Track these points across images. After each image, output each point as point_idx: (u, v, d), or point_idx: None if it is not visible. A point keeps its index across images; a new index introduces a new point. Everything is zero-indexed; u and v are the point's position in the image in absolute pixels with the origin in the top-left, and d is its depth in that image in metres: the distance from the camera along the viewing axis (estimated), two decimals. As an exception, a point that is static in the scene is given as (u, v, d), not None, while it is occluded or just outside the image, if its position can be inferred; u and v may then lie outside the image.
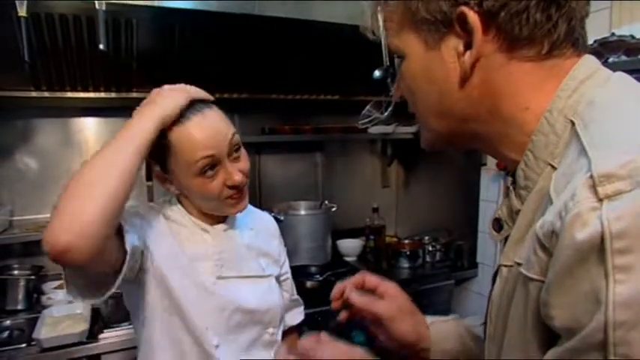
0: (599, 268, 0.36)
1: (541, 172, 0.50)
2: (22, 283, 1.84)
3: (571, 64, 0.50)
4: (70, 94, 2.00)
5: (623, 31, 1.47)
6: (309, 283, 2.02)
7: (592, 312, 0.36)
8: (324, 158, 2.75)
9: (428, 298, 2.20)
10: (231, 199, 1.01)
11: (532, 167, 0.51)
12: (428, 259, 2.36)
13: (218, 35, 1.84)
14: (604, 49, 1.44)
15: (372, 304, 0.76)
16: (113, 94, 2.08)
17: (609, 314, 0.35)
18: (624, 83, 0.50)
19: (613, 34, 1.46)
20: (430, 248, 2.36)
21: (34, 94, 1.94)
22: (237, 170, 0.99)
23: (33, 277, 1.89)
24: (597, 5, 1.68)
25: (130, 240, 0.90)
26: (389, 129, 2.49)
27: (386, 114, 2.26)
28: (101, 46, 1.53)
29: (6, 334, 1.67)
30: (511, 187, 0.55)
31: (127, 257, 0.88)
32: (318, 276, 2.11)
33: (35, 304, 1.85)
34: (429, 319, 0.79)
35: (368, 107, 2.34)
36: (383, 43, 0.59)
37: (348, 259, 2.46)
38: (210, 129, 0.96)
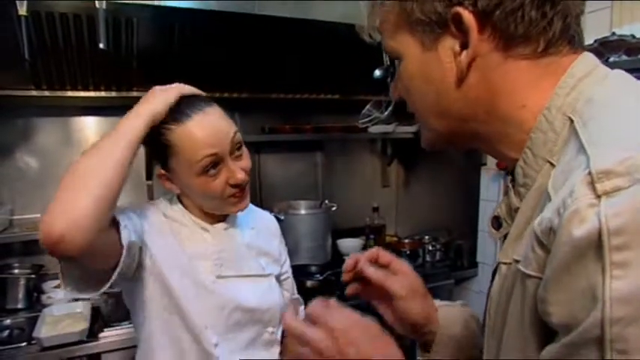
0: (596, 264, 0.36)
1: (540, 170, 0.50)
2: (22, 282, 1.84)
3: (568, 62, 0.50)
4: (70, 93, 2.00)
5: (623, 30, 1.47)
6: (309, 283, 2.02)
7: (589, 308, 0.36)
8: (324, 158, 2.75)
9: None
10: (234, 197, 1.01)
11: (531, 165, 0.51)
12: (428, 258, 2.36)
13: (218, 34, 1.84)
14: (604, 49, 1.44)
15: (387, 279, 0.74)
16: (113, 93, 2.08)
17: (606, 310, 0.35)
18: (623, 81, 0.50)
19: (613, 33, 1.46)
20: (430, 248, 2.36)
21: (34, 93, 1.94)
22: (239, 169, 0.99)
23: (33, 276, 1.89)
24: (598, 5, 1.68)
25: (127, 236, 0.90)
26: (389, 128, 2.49)
27: (386, 113, 2.26)
28: (101, 45, 1.53)
29: (6, 332, 1.67)
30: (510, 185, 0.55)
31: (124, 253, 0.89)
32: (318, 275, 2.11)
33: (35, 303, 1.85)
34: (437, 302, 0.78)
35: (368, 107, 2.35)
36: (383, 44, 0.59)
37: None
38: (211, 127, 0.96)
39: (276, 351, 1.14)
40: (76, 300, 1.81)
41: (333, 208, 2.38)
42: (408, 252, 2.32)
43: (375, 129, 2.46)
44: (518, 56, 0.50)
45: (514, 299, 0.48)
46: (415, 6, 0.51)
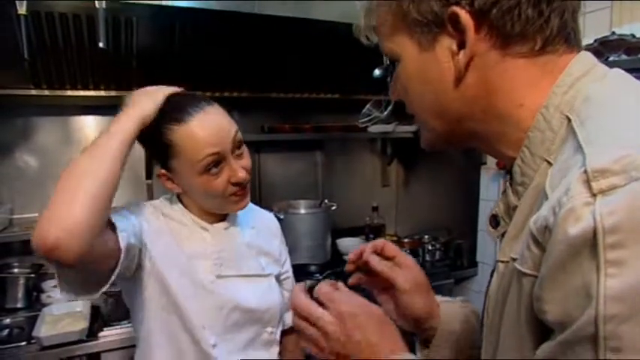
0: (591, 262, 0.36)
1: (537, 169, 0.50)
2: (21, 281, 1.84)
3: (565, 61, 0.50)
4: (70, 93, 2.00)
5: (623, 30, 1.47)
6: (308, 282, 2.01)
7: (584, 306, 0.36)
8: (323, 157, 2.75)
9: (427, 297, 2.19)
10: (235, 196, 1.01)
11: (528, 163, 0.51)
12: (428, 258, 2.36)
13: (218, 34, 1.84)
14: (604, 48, 1.44)
15: (392, 271, 0.74)
16: (113, 93, 2.08)
17: (600, 308, 0.35)
18: (621, 79, 0.50)
19: (613, 32, 1.46)
20: (430, 247, 2.36)
21: (33, 92, 1.94)
22: (240, 167, 0.99)
23: (33, 275, 1.89)
24: (598, 4, 1.68)
25: (125, 238, 0.89)
26: (389, 128, 2.49)
27: (386, 113, 2.26)
28: (101, 45, 1.53)
29: (6, 332, 1.67)
30: (508, 184, 0.55)
31: (122, 256, 0.88)
32: (317, 275, 2.11)
33: (35, 302, 1.85)
34: (438, 298, 0.79)
35: (368, 106, 2.35)
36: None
37: (347, 258, 2.45)
38: (213, 126, 0.96)
39: (275, 351, 1.14)
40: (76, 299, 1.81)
41: (333, 208, 2.38)
42: (407, 251, 2.31)
43: (374, 128, 2.46)
44: (516, 55, 0.50)
45: (510, 297, 0.48)
46: (412, 6, 0.51)
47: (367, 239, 2.46)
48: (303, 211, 2.44)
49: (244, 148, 1.03)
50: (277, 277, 1.18)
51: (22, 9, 1.42)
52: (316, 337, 0.62)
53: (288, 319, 1.25)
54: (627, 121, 0.43)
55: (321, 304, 0.63)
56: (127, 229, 0.92)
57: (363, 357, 0.59)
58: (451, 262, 2.35)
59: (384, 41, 0.58)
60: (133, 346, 1.10)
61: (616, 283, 0.35)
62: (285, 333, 1.20)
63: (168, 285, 0.98)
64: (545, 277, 0.40)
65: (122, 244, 0.88)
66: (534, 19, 0.48)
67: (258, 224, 1.18)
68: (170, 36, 1.79)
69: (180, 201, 1.08)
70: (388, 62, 0.59)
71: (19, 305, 1.82)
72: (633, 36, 1.43)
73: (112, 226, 0.89)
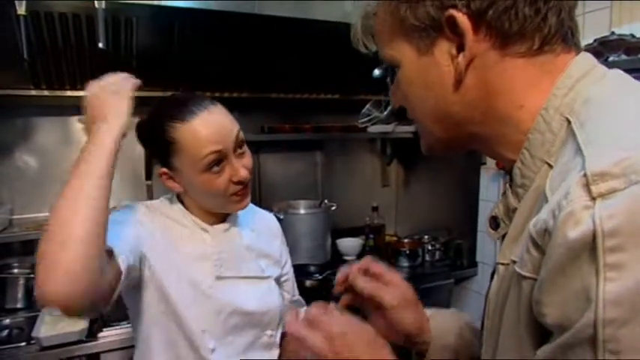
0: (590, 266, 0.36)
1: (538, 171, 0.50)
2: (21, 281, 1.84)
3: (563, 61, 0.50)
4: (69, 93, 2.00)
5: (623, 30, 1.47)
6: (308, 282, 2.02)
7: (583, 309, 0.36)
8: (323, 157, 2.74)
9: (427, 297, 2.17)
10: (236, 195, 1.01)
11: (528, 166, 0.51)
12: (427, 258, 2.36)
13: (218, 34, 1.84)
14: (604, 48, 1.44)
15: (378, 290, 0.74)
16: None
17: (599, 312, 0.35)
18: (621, 81, 0.50)
19: (613, 33, 1.46)
20: (430, 247, 2.36)
21: (33, 92, 1.94)
22: (242, 166, 0.99)
23: (32, 275, 1.88)
24: (597, 4, 1.68)
25: (125, 261, 0.86)
26: (388, 128, 2.49)
27: (385, 113, 2.26)
28: (100, 45, 1.53)
29: (5, 332, 1.67)
30: (508, 186, 0.55)
31: (122, 279, 0.85)
32: (317, 275, 2.11)
33: (34, 302, 1.85)
34: (429, 311, 0.79)
35: (368, 106, 2.35)
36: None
37: (347, 258, 2.46)
38: (216, 125, 0.97)
39: (275, 354, 1.13)
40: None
41: (333, 208, 2.38)
42: (407, 251, 2.32)
43: (374, 129, 2.46)
44: (515, 54, 0.50)
45: (510, 300, 0.48)
46: (408, 12, 0.51)
47: (367, 239, 2.46)
48: (302, 211, 2.44)
49: (246, 148, 1.03)
50: (277, 279, 1.17)
51: (21, 9, 1.42)
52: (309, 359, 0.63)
53: None
54: (627, 122, 0.43)
55: (312, 326, 0.63)
56: (124, 249, 0.88)
57: None
58: (451, 262, 2.34)
59: (383, 48, 0.58)
60: (133, 346, 1.10)
61: (615, 287, 0.35)
62: (285, 335, 1.20)
63: (167, 292, 0.97)
64: (544, 280, 0.40)
65: (122, 267, 0.85)
66: (532, 17, 0.48)
67: (259, 226, 1.17)
68: (170, 36, 1.79)
69: (181, 201, 1.08)
70: (389, 69, 0.59)
71: (18, 306, 1.82)
72: (633, 36, 1.43)
73: (109, 251, 0.84)
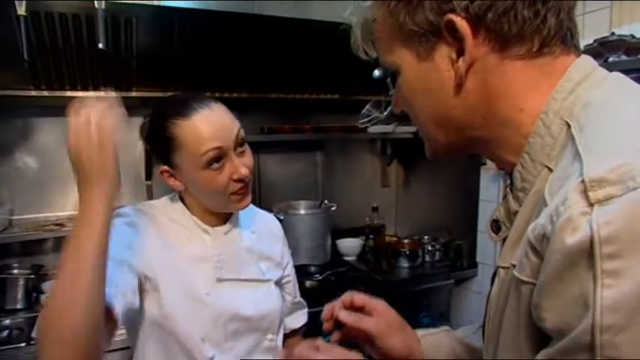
0: (588, 272, 0.36)
1: (538, 175, 0.50)
2: (21, 282, 1.84)
3: (562, 63, 0.50)
4: (69, 93, 1.99)
5: (623, 30, 1.47)
6: (308, 283, 2.02)
7: (581, 315, 0.37)
8: (323, 157, 2.74)
9: (427, 298, 2.20)
10: (236, 194, 1.00)
11: (529, 169, 0.51)
12: (427, 258, 2.36)
13: (217, 34, 1.84)
14: (604, 49, 1.44)
15: (361, 321, 0.76)
16: (113, 93, 2.07)
17: (597, 318, 0.35)
18: (621, 84, 0.50)
19: (613, 33, 1.46)
20: (430, 248, 2.36)
21: (33, 92, 1.94)
22: (242, 164, 0.99)
23: (32, 276, 1.89)
24: (597, 5, 1.68)
25: (121, 308, 0.85)
26: (389, 128, 2.49)
27: (385, 113, 2.26)
28: (100, 45, 1.53)
29: (5, 333, 1.67)
30: (508, 189, 0.55)
31: (119, 324, 0.85)
32: (317, 275, 2.11)
33: (34, 303, 1.85)
34: (420, 332, 0.79)
35: (368, 106, 2.35)
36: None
37: (347, 258, 2.46)
38: (216, 122, 0.97)
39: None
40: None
41: (333, 208, 2.38)
42: (407, 252, 2.31)
43: (374, 129, 2.46)
44: (514, 57, 0.49)
45: (510, 304, 0.48)
46: (407, 18, 0.51)
47: (367, 239, 2.46)
48: (303, 211, 2.44)
49: (247, 147, 1.03)
50: (278, 281, 1.17)
51: (21, 9, 1.42)
52: None
53: (290, 323, 1.24)
54: (626, 126, 0.43)
55: None
56: (118, 298, 0.85)
57: None
58: (451, 262, 2.34)
59: (383, 55, 0.58)
60: (133, 347, 1.10)
61: (612, 294, 0.35)
62: (287, 337, 1.20)
63: (164, 303, 0.97)
64: (543, 285, 0.40)
65: (119, 318, 0.84)
66: (531, 19, 0.48)
67: (260, 228, 1.17)
68: (170, 36, 1.79)
69: (182, 202, 1.07)
70: (390, 74, 0.59)
71: (18, 306, 1.82)
72: (633, 36, 1.43)
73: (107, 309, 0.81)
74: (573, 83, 0.49)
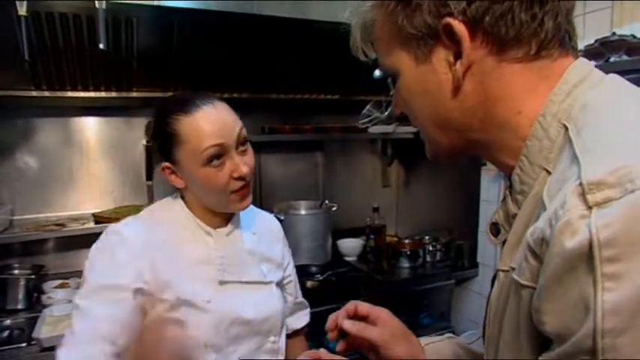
0: (587, 276, 0.36)
1: (536, 177, 0.50)
2: (22, 282, 1.84)
3: (560, 65, 0.50)
4: (70, 94, 2.00)
5: (624, 30, 1.47)
6: (309, 283, 2.01)
7: (581, 319, 0.36)
8: (324, 158, 2.74)
9: (428, 298, 2.20)
10: (236, 194, 1.00)
11: (527, 172, 0.51)
12: (428, 258, 2.35)
13: (217, 34, 1.84)
14: (605, 49, 1.44)
15: (365, 330, 0.76)
16: (113, 94, 2.08)
17: (598, 321, 0.35)
18: (617, 85, 0.50)
19: (614, 33, 1.45)
20: (431, 248, 2.36)
21: (34, 93, 1.94)
22: (243, 163, 0.99)
23: (33, 276, 1.89)
24: (598, 5, 1.68)
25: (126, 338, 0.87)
26: (389, 129, 2.49)
27: (386, 113, 2.26)
28: (101, 45, 1.53)
29: (6, 333, 1.67)
30: (507, 192, 0.55)
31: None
32: (318, 276, 2.11)
33: (35, 303, 1.85)
34: (424, 340, 0.79)
35: (368, 107, 2.35)
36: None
37: (348, 258, 2.46)
38: (218, 119, 0.97)
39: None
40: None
41: (334, 209, 2.38)
42: (408, 252, 2.31)
43: (375, 129, 2.46)
44: (512, 60, 0.50)
45: (510, 307, 0.48)
46: (405, 21, 0.51)
47: (368, 240, 2.46)
48: (303, 212, 2.44)
49: (249, 146, 1.03)
50: (279, 282, 1.16)
51: (22, 10, 1.42)
52: None
53: (292, 324, 1.24)
54: (624, 128, 0.43)
55: None
56: (122, 336, 0.88)
57: None
58: (452, 263, 2.34)
59: (382, 57, 0.58)
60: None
61: (613, 297, 0.35)
62: (289, 337, 1.20)
63: (166, 312, 0.96)
64: (543, 289, 0.40)
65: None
66: (528, 23, 0.48)
67: (261, 229, 1.17)
68: (170, 36, 1.79)
69: (184, 201, 1.07)
70: (390, 76, 0.59)
71: (19, 306, 1.82)
72: (634, 36, 1.42)
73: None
74: (571, 85, 0.49)
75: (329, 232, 2.38)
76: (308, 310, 1.31)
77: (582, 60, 0.52)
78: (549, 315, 0.40)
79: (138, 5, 1.55)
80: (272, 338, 1.09)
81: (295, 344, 1.23)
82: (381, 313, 0.79)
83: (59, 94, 1.97)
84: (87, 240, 1.93)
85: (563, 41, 0.51)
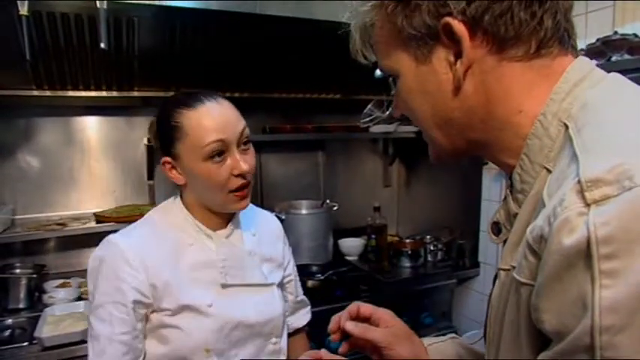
0: (585, 273, 0.36)
1: (537, 176, 0.50)
2: (23, 281, 1.84)
3: (559, 64, 0.50)
4: (71, 93, 2.00)
5: (626, 29, 1.47)
6: (310, 283, 2.01)
7: (579, 316, 0.37)
8: (325, 157, 2.74)
9: (429, 298, 2.20)
10: (235, 194, 1.00)
11: (528, 171, 0.51)
12: (429, 258, 2.35)
13: (219, 34, 1.84)
14: (607, 48, 1.44)
15: (368, 331, 0.76)
16: (115, 93, 2.09)
17: (596, 319, 0.35)
18: (618, 84, 0.50)
19: (616, 32, 1.45)
20: (432, 247, 2.36)
21: (35, 92, 1.94)
22: (244, 160, 0.98)
23: (35, 275, 1.89)
24: (600, 4, 1.67)
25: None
26: (390, 128, 2.49)
27: (387, 113, 2.26)
28: (102, 45, 1.53)
29: (8, 332, 1.67)
30: (508, 191, 0.55)
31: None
32: (319, 275, 2.11)
33: (37, 302, 1.85)
34: (426, 341, 0.79)
35: (369, 106, 2.35)
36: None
37: (349, 258, 2.45)
38: (222, 116, 0.98)
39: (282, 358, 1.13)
40: (78, 299, 1.81)
41: (335, 208, 2.38)
42: (409, 252, 2.31)
43: (376, 128, 2.46)
44: (512, 59, 0.50)
45: (510, 306, 0.48)
46: (405, 22, 0.51)
47: (369, 239, 2.45)
48: (304, 211, 2.44)
49: (251, 146, 1.03)
50: (280, 282, 1.16)
51: (23, 9, 1.42)
52: None
53: (294, 323, 1.24)
54: (625, 126, 0.43)
55: None
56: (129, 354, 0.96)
57: None
58: (453, 262, 2.34)
59: (381, 60, 0.58)
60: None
61: (611, 294, 0.35)
62: (290, 335, 1.20)
63: (167, 318, 0.97)
64: (541, 286, 0.40)
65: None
66: (527, 21, 0.48)
67: (260, 229, 1.16)
68: (171, 36, 1.79)
69: (183, 202, 1.07)
70: (390, 78, 0.59)
71: (21, 306, 1.82)
72: (636, 35, 1.42)
73: None
74: (571, 84, 0.49)
75: (330, 232, 2.38)
76: (309, 309, 1.31)
77: (583, 59, 0.52)
78: (547, 313, 0.40)
79: (139, 5, 1.55)
80: (274, 340, 1.09)
81: (296, 343, 1.23)
82: (384, 314, 0.79)
83: (60, 93, 1.98)
84: (88, 239, 1.95)
85: (562, 40, 0.51)
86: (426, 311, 2.17)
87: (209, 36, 1.84)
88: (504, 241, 0.55)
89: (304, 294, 1.32)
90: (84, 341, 1.55)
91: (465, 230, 2.36)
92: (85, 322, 1.60)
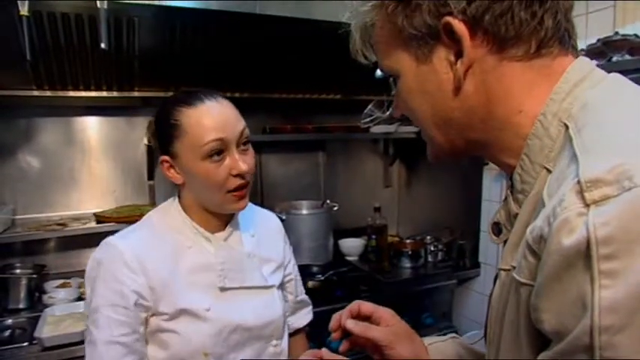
0: (585, 273, 0.36)
1: (537, 176, 0.50)
2: (23, 282, 1.84)
3: (560, 64, 0.50)
4: (71, 93, 2.00)
5: (627, 30, 1.47)
6: (310, 283, 2.01)
7: (579, 317, 0.37)
8: (325, 157, 2.74)
9: (430, 298, 2.19)
10: (234, 194, 0.99)
11: (528, 171, 0.51)
12: (430, 258, 2.35)
13: (219, 34, 1.84)
14: (607, 48, 1.43)
15: (368, 330, 0.76)
16: (115, 93, 2.09)
17: (595, 319, 0.35)
18: (619, 84, 0.50)
19: (617, 32, 1.45)
20: (432, 248, 2.36)
21: (36, 93, 1.94)
22: (243, 160, 0.98)
23: (35, 276, 1.89)
24: (601, 4, 1.67)
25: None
26: (391, 128, 2.49)
27: (388, 113, 2.26)
28: (103, 45, 1.53)
29: (8, 332, 1.67)
30: (508, 192, 0.55)
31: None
32: (319, 275, 2.11)
33: (37, 303, 1.85)
34: (427, 340, 0.79)
35: (370, 106, 2.35)
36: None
37: (349, 258, 2.45)
38: (222, 115, 0.98)
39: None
40: (78, 300, 1.81)
41: (335, 208, 2.37)
42: (409, 252, 2.31)
43: (376, 129, 2.46)
44: (512, 58, 0.50)
45: (510, 306, 0.48)
46: (405, 22, 0.51)
47: (369, 240, 2.45)
48: (305, 211, 2.44)
49: (250, 147, 1.03)
50: (281, 283, 1.16)
51: (23, 9, 1.42)
52: None
53: (294, 323, 1.24)
54: (625, 126, 0.43)
55: None
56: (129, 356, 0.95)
57: None
58: (454, 262, 2.33)
59: (382, 60, 0.58)
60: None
61: (610, 294, 0.35)
62: (291, 335, 1.19)
63: (166, 322, 0.97)
64: (541, 286, 0.40)
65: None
66: (528, 21, 0.48)
67: (260, 229, 1.15)
68: (172, 36, 1.79)
69: (181, 204, 1.06)
70: (391, 78, 0.59)
71: (21, 306, 1.82)
72: (637, 36, 1.42)
73: None
74: (571, 84, 0.49)
75: (330, 232, 2.38)
76: (310, 308, 1.30)
77: (583, 59, 0.52)
78: (547, 313, 0.40)
79: (139, 5, 1.55)
80: (274, 342, 1.09)
81: (296, 343, 1.23)
82: (385, 313, 0.79)
83: (61, 93, 1.98)
84: (88, 240, 1.95)
85: (562, 40, 0.51)
86: (426, 311, 2.16)
87: (209, 36, 1.84)
88: (505, 242, 0.55)
89: (305, 294, 1.31)
90: (84, 341, 1.55)
91: (466, 230, 2.36)
92: (85, 323, 1.60)
